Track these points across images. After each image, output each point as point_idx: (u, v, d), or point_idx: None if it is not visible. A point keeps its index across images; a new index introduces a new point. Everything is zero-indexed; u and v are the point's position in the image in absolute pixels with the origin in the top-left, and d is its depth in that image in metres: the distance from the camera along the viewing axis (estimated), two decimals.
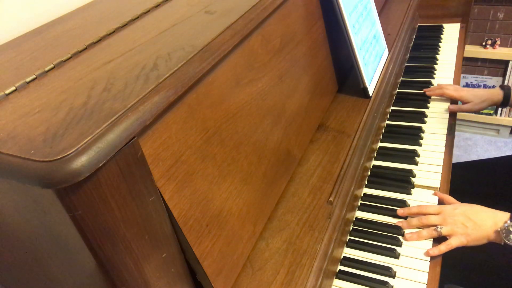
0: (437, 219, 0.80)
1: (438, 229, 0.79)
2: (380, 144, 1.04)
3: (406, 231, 0.82)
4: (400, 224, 0.83)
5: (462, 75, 2.07)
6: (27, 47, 0.59)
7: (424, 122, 1.08)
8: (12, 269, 0.58)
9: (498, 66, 2.05)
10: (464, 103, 1.15)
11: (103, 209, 0.37)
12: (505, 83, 2.05)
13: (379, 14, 1.16)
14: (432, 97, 1.18)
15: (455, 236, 0.78)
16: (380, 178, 0.94)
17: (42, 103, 0.43)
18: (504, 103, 1.12)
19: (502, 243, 0.75)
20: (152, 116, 0.41)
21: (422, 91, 1.19)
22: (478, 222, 0.77)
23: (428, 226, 0.80)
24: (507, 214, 0.76)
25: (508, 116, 2.09)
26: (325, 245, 0.65)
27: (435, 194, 0.89)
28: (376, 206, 0.88)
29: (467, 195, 1.02)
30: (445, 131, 1.05)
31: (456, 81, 1.24)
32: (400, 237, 0.81)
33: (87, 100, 0.42)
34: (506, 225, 0.74)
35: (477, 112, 1.68)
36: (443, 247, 0.77)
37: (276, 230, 0.67)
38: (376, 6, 1.10)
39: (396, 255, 0.77)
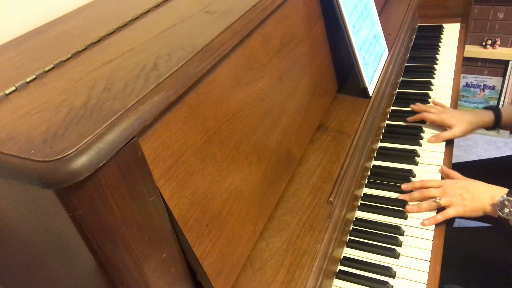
0: (437, 192, 0.84)
1: (437, 200, 0.83)
2: (380, 144, 1.04)
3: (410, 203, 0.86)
4: (403, 198, 0.87)
5: (462, 75, 2.07)
6: (27, 47, 0.59)
7: (424, 122, 1.08)
8: (12, 269, 0.58)
9: (498, 66, 2.05)
10: (448, 127, 1.02)
11: (103, 209, 0.37)
12: (505, 83, 2.05)
13: (379, 14, 1.16)
14: (432, 97, 1.18)
15: (453, 207, 0.82)
16: (380, 178, 0.94)
17: (42, 103, 0.43)
18: (495, 124, 1.01)
19: (497, 216, 0.78)
20: (152, 116, 0.41)
21: (422, 92, 1.19)
22: (476, 194, 0.81)
23: (429, 198, 0.84)
24: (505, 190, 0.80)
25: None
26: (325, 245, 0.65)
27: (441, 169, 0.93)
28: (376, 206, 0.88)
29: None
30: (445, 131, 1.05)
31: (456, 81, 1.24)
32: (400, 236, 0.81)
33: (87, 100, 0.42)
34: (502, 199, 0.78)
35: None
36: (439, 216, 0.82)
37: (276, 230, 0.67)
38: (376, 6, 1.10)
39: (396, 255, 0.77)
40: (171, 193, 0.45)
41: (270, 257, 0.63)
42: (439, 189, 0.85)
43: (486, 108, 1.04)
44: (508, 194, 0.78)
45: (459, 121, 1.01)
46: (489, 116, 1.02)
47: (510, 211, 0.76)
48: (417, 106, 1.09)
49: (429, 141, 1.02)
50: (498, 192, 0.80)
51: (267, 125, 0.65)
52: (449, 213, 0.81)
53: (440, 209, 0.84)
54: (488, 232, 0.97)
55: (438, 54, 1.36)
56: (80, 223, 0.37)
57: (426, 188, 0.86)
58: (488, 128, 1.04)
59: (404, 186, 0.89)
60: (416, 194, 0.86)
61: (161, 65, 0.46)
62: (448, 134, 1.00)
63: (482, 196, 0.81)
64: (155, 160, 0.43)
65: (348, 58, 0.92)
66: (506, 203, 0.77)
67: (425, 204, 0.84)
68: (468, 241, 0.96)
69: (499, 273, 0.90)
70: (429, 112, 1.05)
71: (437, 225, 0.82)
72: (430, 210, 0.84)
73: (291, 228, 0.67)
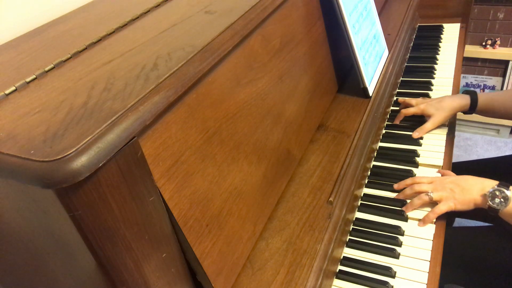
0: (428, 187, 0.85)
1: (429, 194, 0.83)
2: (380, 144, 1.04)
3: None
4: (396, 196, 0.88)
5: (462, 75, 2.07)
6: (27, 47, 0.59)
7: (425, 122, 1.08)
8: (12, 269, 0.58)
9: (498, 66, 2.05)
10: (428, 116, 1.05)
11: (103, 209, 0.37)
12: (505, 83, 2.05)
13: (379, 14, 1.16)
14: (431, 97, 1.18)
15: (444, 201, 0.82)
16: (380, 178, 0.94)
17: (42, 103, 0.43)
18: (471, 108, 1.04)
19: (487, 207, 0.79)
20: (152, 116, 0.41)
21: (422, 92, 1.19)
22: (466, 187, 0.82)
23: (420, 193, 0.85)
24: (495, 182, 0.80)
25: None
26: (325, 245, 0.65)
27: (438, 171, 0.94)
28: (376, 206, 0.88)
29: None
30: (445, 131, 1.05)
31: (456, 81, 1.24)
32: (400, 236, 0.81)
33: (87, 100, 0.42)
34: (492, 189, 0.78)
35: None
36: (431, 214, 0.82)
37: (276, 230, 0.67)
38: (376, 6, 1.10)
39: (396, 255, 0.77)
40: (171, 193, 0.45)
41: (270, 257, 0.63)
42: (430, 185, 0.85)
43: (465, 92, 1.06)
44: (499, 185, 0.79)
45: (437, 109, 1.03)
46: (465, 99, 1.03)
47: (500, 201, 0.77)
48: (401, 99, 1.13)
49: (414, 135, 1.04)
50: (488, 184, 0.80)
51: (267, 125, 0.65)
52: (440, 209, 0.82)
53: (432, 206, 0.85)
54: (488, 232, 0.97)
55: (438, 54, 1.36)
56: (80, 223, 0.37)
57: (417, 184, 0.87)
58: (465, 112, 1.06)
59: (395, 186, 0.90)
60: (408, 190, 0.87)
61: (161, 65, 0.46)
62: (429, 125, 1.03)
63: (472, 188, 0.81)
64: (155, 160, 0.43)
65: (348, 58, 0.92)
66: (497, 193, 0.78)
67: (417, 200, 0.84)
68: (468, 241, 0.96)
69: (499, 273, 0.90)
70: (410, 104, 1.09)
71: (437, 225, 0.82)
72: (423, 205, 0.85)
73: (291, 228, 0.67)
